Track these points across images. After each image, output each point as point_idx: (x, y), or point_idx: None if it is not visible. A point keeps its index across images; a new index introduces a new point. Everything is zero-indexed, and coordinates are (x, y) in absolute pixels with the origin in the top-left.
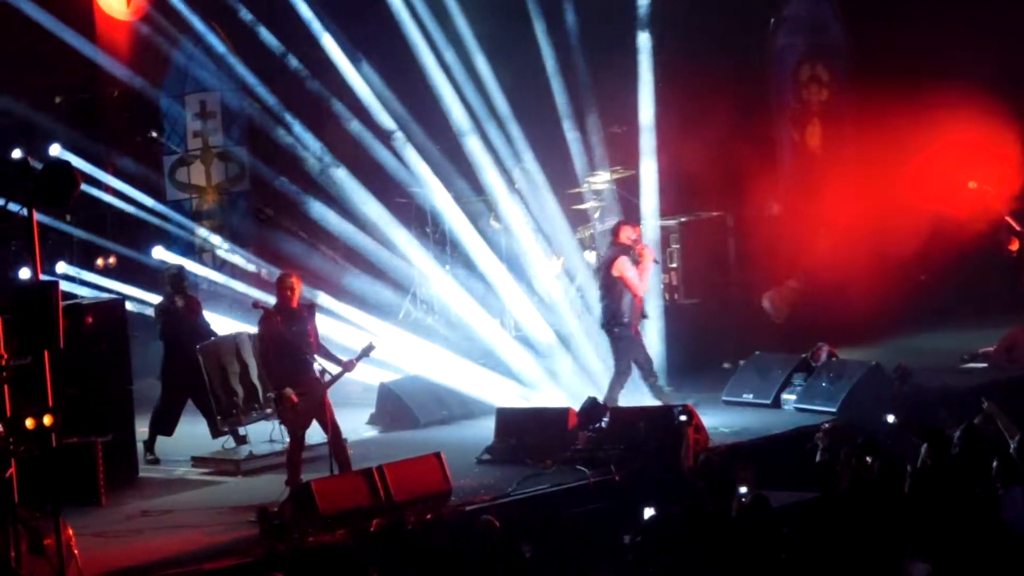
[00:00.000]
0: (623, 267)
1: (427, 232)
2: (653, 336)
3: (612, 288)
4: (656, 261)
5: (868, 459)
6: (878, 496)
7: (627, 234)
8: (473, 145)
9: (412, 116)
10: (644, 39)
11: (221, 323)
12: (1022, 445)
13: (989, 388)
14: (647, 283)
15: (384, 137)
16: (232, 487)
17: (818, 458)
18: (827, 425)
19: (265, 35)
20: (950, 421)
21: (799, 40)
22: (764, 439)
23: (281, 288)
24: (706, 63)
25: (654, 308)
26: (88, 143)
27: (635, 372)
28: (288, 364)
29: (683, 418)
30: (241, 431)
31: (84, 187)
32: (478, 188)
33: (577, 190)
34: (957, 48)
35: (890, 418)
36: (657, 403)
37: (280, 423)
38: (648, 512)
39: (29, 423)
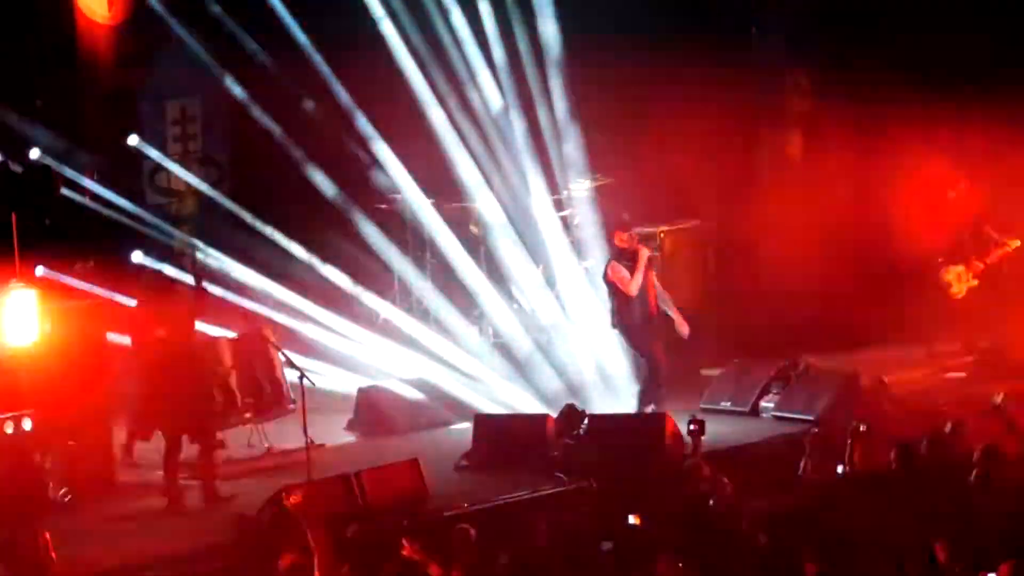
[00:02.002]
0: (613, 271)
1: (406, 237)
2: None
3: (613, 292)
4: (649, 257)
5: (841, 468)
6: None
7: (619, 239)
8: (454, 150)
9: (392, 120)
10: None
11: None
12: None
13: (965, 399)
14: (638, 283)
15: (364, 141)
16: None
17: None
18: (814, 431)
19: (246, 40)
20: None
21: (781, 48)
22: (742, 447)
23: None
24: (688, 71)
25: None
26: (68, 147)
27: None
28: None
29: (692, 427)
30: (219, 436)
31: (63, 191)
32: (459, 194)
33: (557, 196)
34: (940, 57)
35: (861, 427)
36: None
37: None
38: (631, 520)
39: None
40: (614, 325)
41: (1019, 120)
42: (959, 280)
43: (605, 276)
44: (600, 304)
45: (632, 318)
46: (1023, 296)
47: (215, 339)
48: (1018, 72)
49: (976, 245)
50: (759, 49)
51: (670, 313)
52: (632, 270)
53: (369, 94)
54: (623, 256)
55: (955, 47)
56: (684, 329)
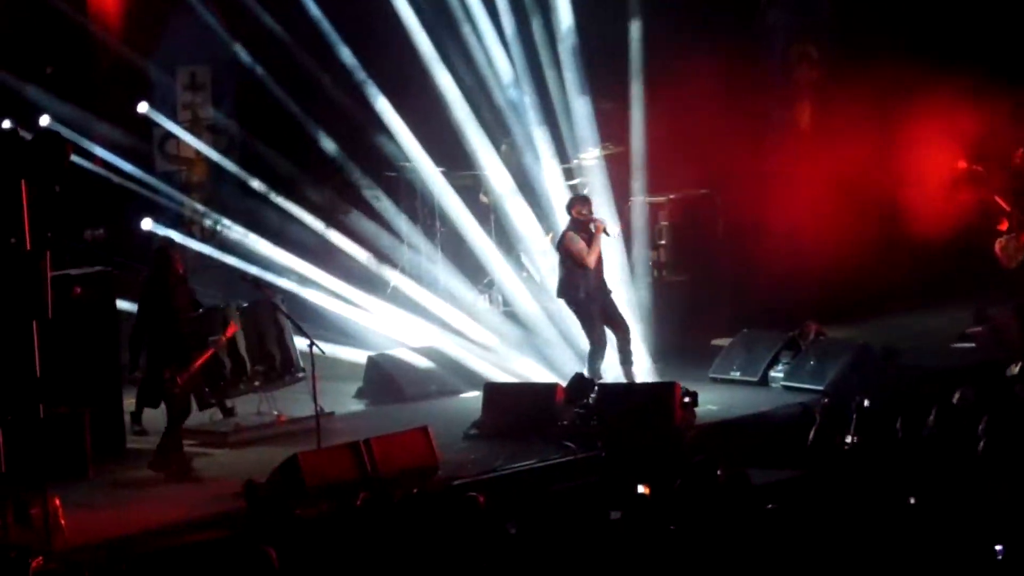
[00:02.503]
0: (568, 241)
1: (415, 206)
2: (641, 312)
3: (564, 262)
4: (607, 234)
5: (852, 438)
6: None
7: (578, 209)
8: (463, 119)
9: (401, 89)
10: (635, 15)
11: (209, 296)
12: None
13: (978, 369)
14: (595, 256)
15: (372, 110)
16: (219, 459)
17: (812, 436)
18: (824, 402)
19: (256, 7)
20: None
21: (789, 18)
22: (751, 416)
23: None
24: (697, 40)
25: (643, 285)
26: (78, 114)
27: None
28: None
29: (686, 399)
30: (228, 404)
31: (73, 158)
32: (467, 163)
33: (567, 166)
34: (948, 26)
35: (866, 403)
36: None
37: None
38: (640, 489)
39: None
40: (561, 295)
41: None
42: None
43: (560, 246)
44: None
45: (583, 290)
46: None
47: (224, 307)
48: None
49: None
50: (767, 18)
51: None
52: (589, 242)
53: (379, 63)
54: (580, 228)
55: (968, 13)
56: (615, 230)
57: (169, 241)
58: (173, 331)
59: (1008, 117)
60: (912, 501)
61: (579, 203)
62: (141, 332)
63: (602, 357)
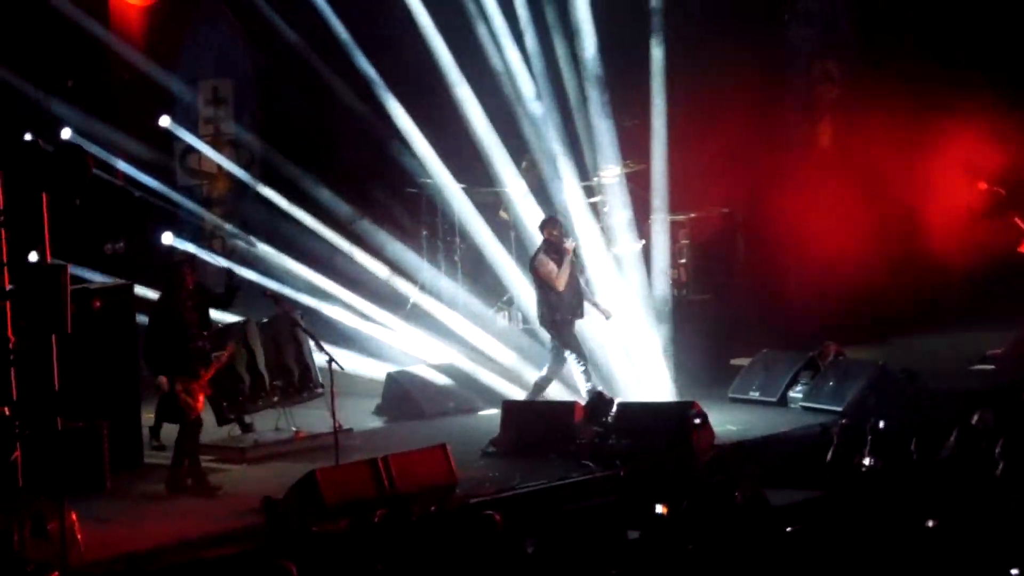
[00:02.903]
0: (539, 264)
1: (436, 222)
2: (661, 331)
3: (540, 285)
4: (574, 259)
5: (869, 460)
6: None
7: (549, 231)
8: (484, 135)
9: (422, 105)
10: (657, 33)
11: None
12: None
13: (996, 391)
14: (564, 278)
15: (394, 125)
16: (237, 475)
17: (830, 456)
18: (842, 423)
19: (278, 22)
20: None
21: (811, 36)
22: (770, 437)
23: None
24: (718, 58)
25: (663, 304)
26: (99, 127)
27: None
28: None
29: (696, 421)
30: (247, 419)
31: (95, 171)
32: (488, 179)
33: (587, 183)
34: (970, 46)
35: (880, 424)
36: (667, 399)
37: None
38: (658, 508)
39: None
40: (543, 321)
41: None
42: None
43: (531, 268)
44: (627, 289)
45: (558, 312)
46: None
47: (245, 322)
48: None
49: None
50: (789, 37)
51: (596, 304)
52: (559, 263)
53: (401, 78)
54: (551, 249)
55: (991, 33)
56: (611, 313)
57: (188, 256)
58: (182, 346)
59: None
60: (930, 524)
61: (550, 224)
62: (153, 345)
63: (588, 371)
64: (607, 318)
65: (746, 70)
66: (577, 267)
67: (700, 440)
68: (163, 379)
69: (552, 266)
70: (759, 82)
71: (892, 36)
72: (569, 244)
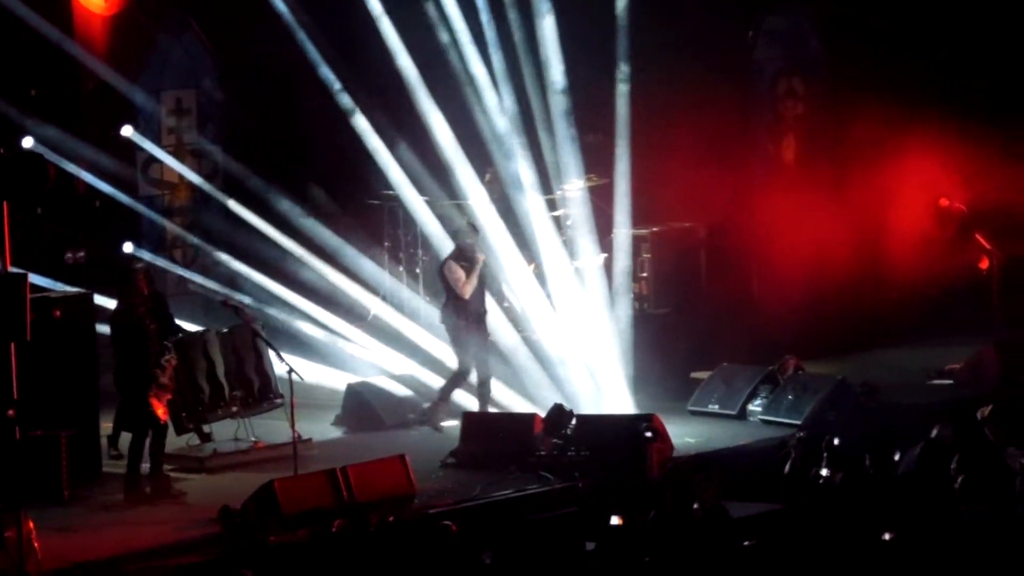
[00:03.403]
0: (447, 269)
1: (398, 234)
2: (622, 344)
3: (448, 289)
4: (484, 270)
5: (826, 472)
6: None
7: (463, 239)
8: (448, 147)
9: (386, 117)
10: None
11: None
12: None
13: (954, 406)
14: (471, 286)
15: (356, 137)
16: (195, 485)
17: (787, 469)
18: (800, 435)
19: (242, 32)
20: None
21: (777, 54)
22: (729, 450)
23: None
24: (683, 74)
25: (624, 317)
26: (61, 136)
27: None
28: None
29: (648, 435)
30: (206, 428)
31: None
32: (452, 192)
33: (551, 196)
34: (935, 64)
35: (835, 441)
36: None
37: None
38: (613, 520)
39: None
40: (443, 320)
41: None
42: None
43: (439, 272)
44: (588, 302)
45: (462, 317)
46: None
47: (205, 332)
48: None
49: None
50: (755, 53)
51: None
52: (468, 271)
53: (366, 91)
54: (462, 256)
55: (949, 56)
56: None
57: (133, 258)
58: (144, 354)
59: (993, 157)
60: (887, 537)
61: (464, 233)
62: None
63: (459, 385)
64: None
65: (711, 86)
66: (488, 278)
67: (657, 452)
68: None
69: (460, 273)
70: (724, 98)
71: (858, 55)
72: (481, 256)
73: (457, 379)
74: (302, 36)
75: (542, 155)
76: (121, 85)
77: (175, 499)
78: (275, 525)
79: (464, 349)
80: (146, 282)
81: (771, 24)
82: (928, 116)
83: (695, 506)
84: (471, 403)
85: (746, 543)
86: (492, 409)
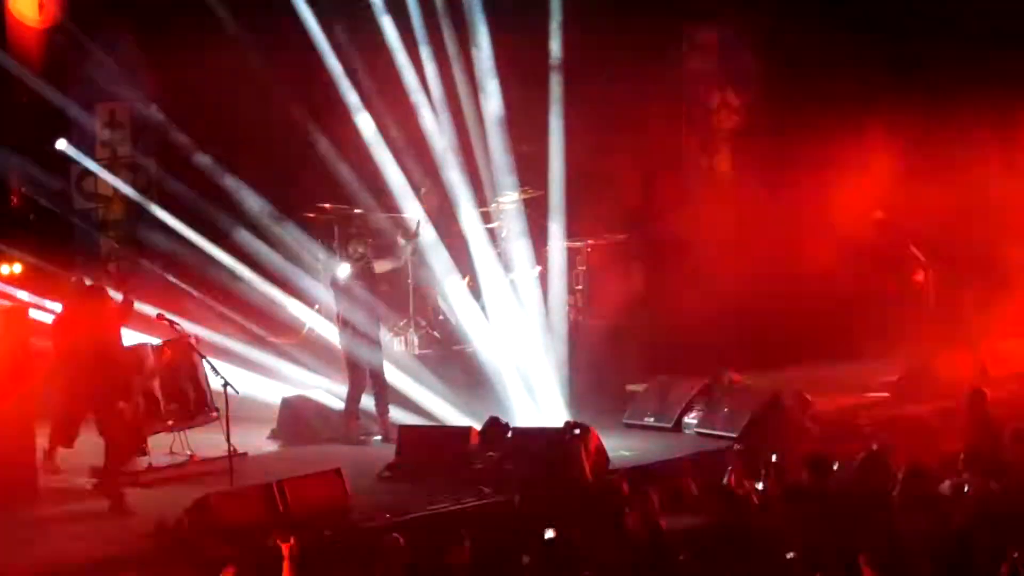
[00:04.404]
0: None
1: (333, 247)
2: (557, 357)
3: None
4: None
5: (761, 485)
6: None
7: (353, 247)
8: (383, 161)
9: (322, 130)
10: (556, 60)
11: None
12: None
13: (890, 419)
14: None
15: (292, 149)
16: (130, 499)
17: (724, 481)
18: (737, 448)
19: (178, 44)
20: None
21: (711, 66)
22: (664, 462)
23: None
24: (618, 86)
25: (559, 329)
26: None
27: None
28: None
29: (577, 432)
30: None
31: None
32: (387, 205)
33: (486, 209)
34: (867, 76)
35: (774, 457)
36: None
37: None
38: (548, 533)
39: None
40: (342, 331)
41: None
42: None
43: (335, 284)
44: (523, 315)
45: (346, 335)
46: (947, 317)
47: (139, 345)
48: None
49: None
50: (690, 65)
51: None
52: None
53: (301, 102)
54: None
55: (884, 67)
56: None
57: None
58: (114, 366)
59: (928, 169)
60: (789, 556)
61: (353, 242)
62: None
63: (356, 398)
64: None
65: (645, 98)
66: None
67: (592, 466)
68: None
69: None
70: (658, 110)
71: (791, 66)
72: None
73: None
74: (240, 48)
75: (477, 168)
76: (55, 98)
77: (109, 514)
78: (211, 539)
79: (359, 362)
80: (110, 296)
81: (705, 36)
82: (863, 128)
83: (630, 520)
84: (412, 418)
85: (681, 557)
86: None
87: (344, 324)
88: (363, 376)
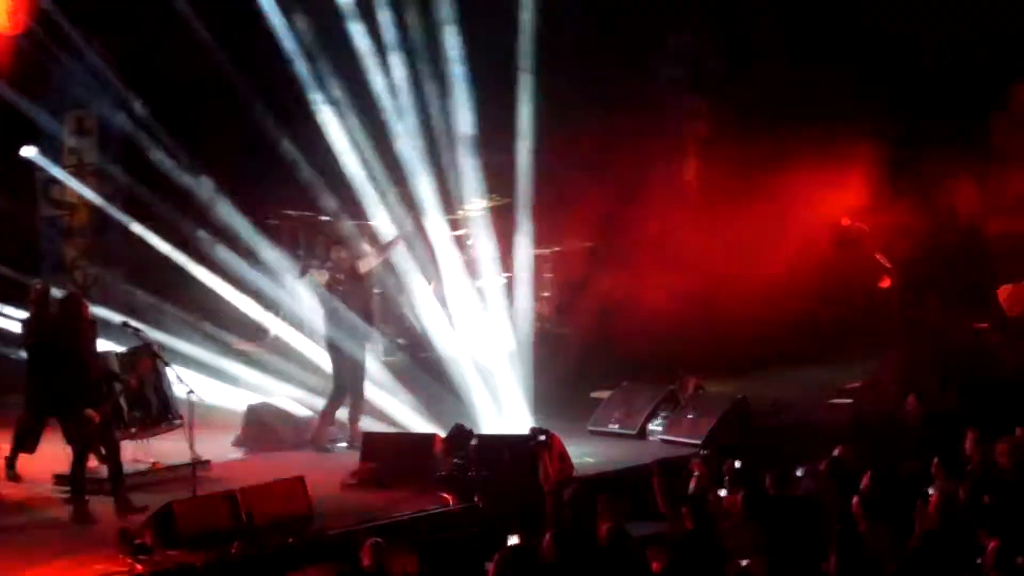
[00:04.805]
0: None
1: (298, 255)
2: (523, 364)
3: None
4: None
5: (725, 492)
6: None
7: (336, 253)
8: (351, 167)
9: (289, 137)
10: (525, 67)
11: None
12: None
13: (854, 425)
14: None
15: (257, 156)
16: (93, 506)
17: (691, 489)
18: (703, 453)
19: (146, 51)
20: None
21: (680, 73)
22: (629, 469)
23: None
24: (586, 93)
25: (525, 337)
26: None
27: None
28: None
29: (541, 438)
30: (103, 450)
31: None
32: (353, 211)
33: (453, 216)
34: (837, 85)
35: (736, 463)
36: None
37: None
38: (511, 540)
39: None
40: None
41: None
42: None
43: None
44: (489, 322)
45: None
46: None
47: (102, 353)
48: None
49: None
50: (659, 73)
51: None
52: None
53: (267, 108)
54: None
55: (852, 76)
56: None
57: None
58: (87, 373)
59: (893, 176)
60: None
61: (335, 247)
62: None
63: (334, 410)
64: None
65: (613, 104)
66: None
67: (555, 472)
68: (92, 413)
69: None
70: (626, 117)
71: (760, 74)
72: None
73: (331, 403)
74: (209, 55)
75: (444, 174)
76: (23, 105)
77: (72, 522)
78: (174, 547)
79: (338, 373)
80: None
81: (675, 43)
82: (830, 136)
83: (595, 526)
84: (377, 425)
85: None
86: (392, 429)
87: (334, 327)
88: (346, 383)
